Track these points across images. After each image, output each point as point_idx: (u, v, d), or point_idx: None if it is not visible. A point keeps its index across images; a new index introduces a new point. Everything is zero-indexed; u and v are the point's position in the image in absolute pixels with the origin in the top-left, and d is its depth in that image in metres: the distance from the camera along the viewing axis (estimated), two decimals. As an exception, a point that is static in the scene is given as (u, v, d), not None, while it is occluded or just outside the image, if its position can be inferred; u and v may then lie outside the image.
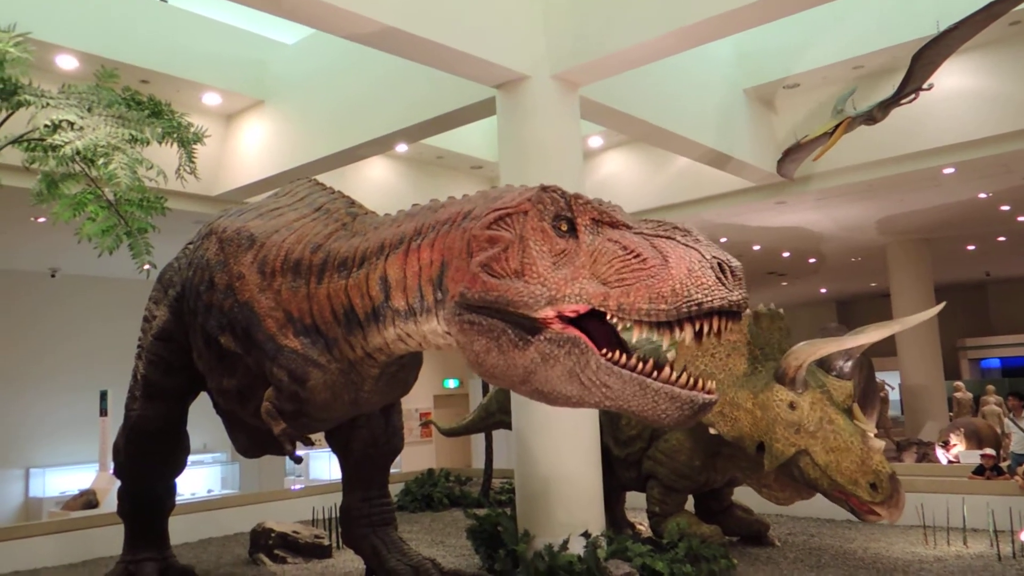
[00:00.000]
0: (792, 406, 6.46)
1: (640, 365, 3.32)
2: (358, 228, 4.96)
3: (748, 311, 6.97)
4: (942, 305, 7.62)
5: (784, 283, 24.58)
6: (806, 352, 6.58)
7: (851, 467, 6.18)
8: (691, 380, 3.28)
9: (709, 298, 3.09)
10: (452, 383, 20.54)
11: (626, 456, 7.81)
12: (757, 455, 6.71)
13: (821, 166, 11.74)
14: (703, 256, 3.18)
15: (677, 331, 3.17)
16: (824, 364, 6.95)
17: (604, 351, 3.39)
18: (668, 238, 3.33)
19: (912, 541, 7.81)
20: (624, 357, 3.36)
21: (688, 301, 3.10)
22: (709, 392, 3.27)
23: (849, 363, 6.95)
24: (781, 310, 7.27)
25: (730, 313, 3.14)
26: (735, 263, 3.21)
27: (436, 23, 6.97)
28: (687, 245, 3.26)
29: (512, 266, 3.59)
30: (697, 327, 3.14)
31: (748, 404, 6.64)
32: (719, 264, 3.16)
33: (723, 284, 3.12)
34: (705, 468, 7.33)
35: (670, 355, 6.86)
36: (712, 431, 6.75)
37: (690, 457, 7.30)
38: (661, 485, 7.47)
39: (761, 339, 7.06)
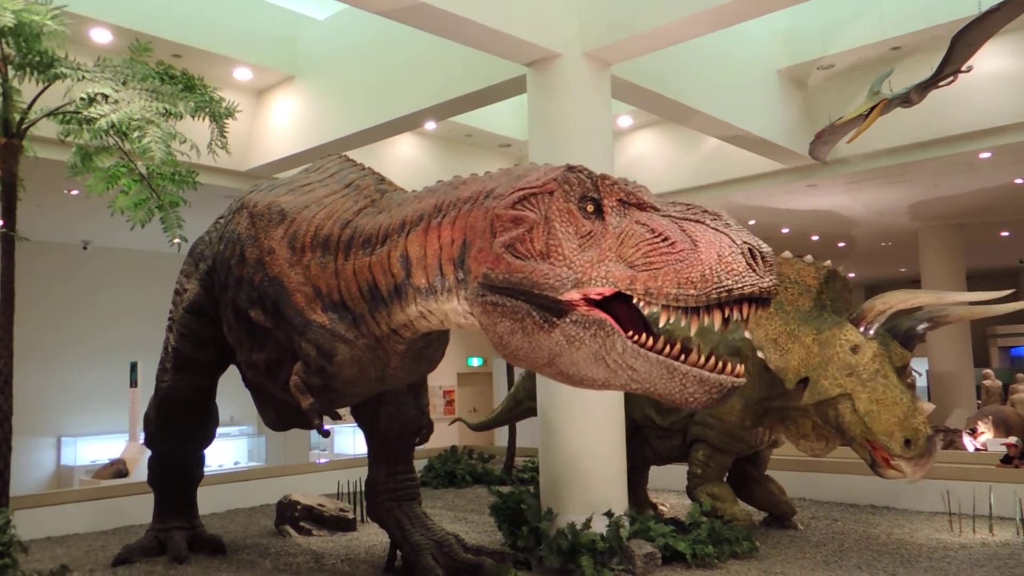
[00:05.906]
0: (855, 350, 6.47)
1: (668, 348, 3.30)
2: (384, 205, 4.98)
3: (829, 264, 7.00)
4: None
5: (813, 267, 24.28)
6: (897, 299, 6.61)
7: (891, 420, 6.21)
8: (719, 363, 3.27)
9: (739, 285, 3.06)
10: (476, 361, 20.57)
11: (670, 424, 7.81)
12: (795, 392, 6.72)
13: (854, 149, 11.56)
14: (733, 241, 3.15)
15: (705, 317, 3.14)
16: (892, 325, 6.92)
17: (631, 333, 3.37)
18: (697, 222, 3.29)
19: (937, 528, 7.76)
20: (651, 340, 3.33)
21: (718, 287, 3.07)
22: (738, 375, 3.26)
23: (924, 325, 6.89)
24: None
25: (759, 300, 3.12)
26: (765, 248, 3.18)
27: (467, -1, 6.94)
28: (717, 229, 3.22)
29: (537, 247, 3.55)
30: (726, 313, 3.11)
31: (808, 339, 6.66)
32: (750, 250, 3.13)
33: (754, 270, 3.09)
34: (755, 428, 7.35)
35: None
36: (760, 355, 6.77)
37: (741, 418, 7.29)
38: (709, 447, 7.48)
39: (832, 293, 7.07)
